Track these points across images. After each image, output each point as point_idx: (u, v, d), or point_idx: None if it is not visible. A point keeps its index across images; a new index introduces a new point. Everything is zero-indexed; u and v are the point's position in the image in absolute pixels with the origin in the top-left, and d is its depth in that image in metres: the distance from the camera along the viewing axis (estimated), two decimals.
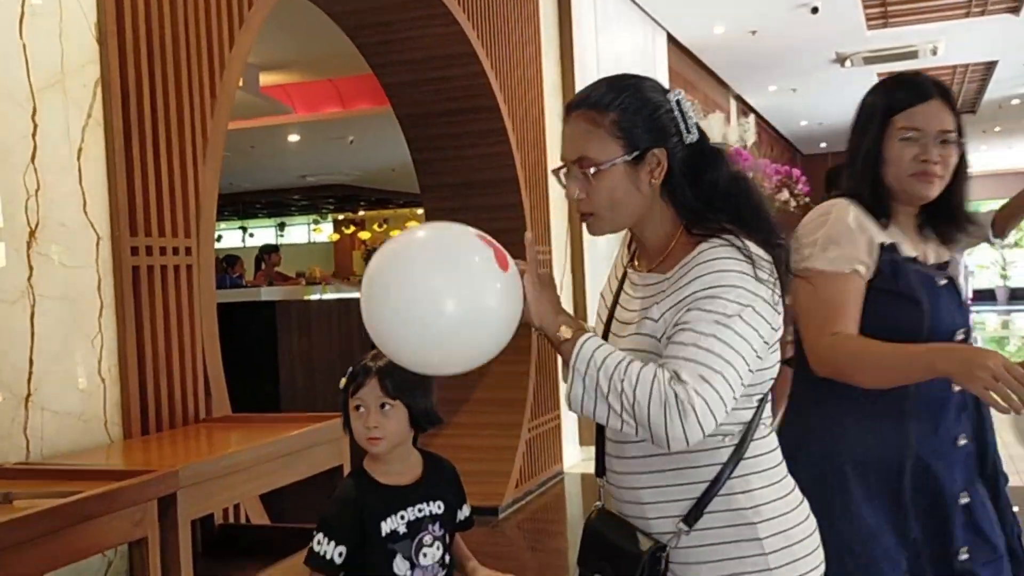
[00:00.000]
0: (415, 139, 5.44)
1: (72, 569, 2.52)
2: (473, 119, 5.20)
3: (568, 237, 6.13)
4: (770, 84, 11.21)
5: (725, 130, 7.37)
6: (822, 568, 1.49)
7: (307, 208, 18.63)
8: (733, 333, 1.34)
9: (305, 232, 20.52)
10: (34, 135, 2.50)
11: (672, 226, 1.48)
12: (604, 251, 6.47)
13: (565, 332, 1.38)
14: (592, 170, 1.45)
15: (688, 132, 1.47)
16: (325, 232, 20.23)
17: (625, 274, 1.59)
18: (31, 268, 2.48)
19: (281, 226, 19.59)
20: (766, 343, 1.40)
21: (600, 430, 1.55)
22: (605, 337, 1.54)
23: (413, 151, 5.48)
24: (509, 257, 1.43)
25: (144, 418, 2.80)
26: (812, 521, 1.51)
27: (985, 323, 15.08)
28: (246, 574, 2.42)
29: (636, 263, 1.57)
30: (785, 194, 7.23)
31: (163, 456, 2.58)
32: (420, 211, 19.51)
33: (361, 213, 19.66)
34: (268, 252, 10.44)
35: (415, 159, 5.51)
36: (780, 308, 1.42)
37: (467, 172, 5.31)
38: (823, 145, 16.16)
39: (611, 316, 1.57)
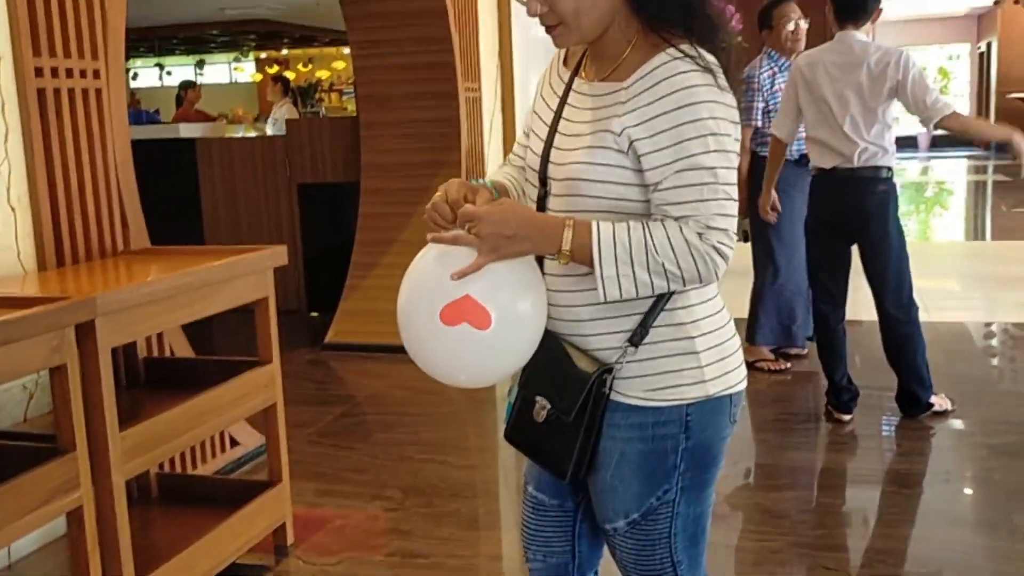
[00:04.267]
0: None
1: None
2: None
3: (499, 73, 5.98)
4: None
5: None
6: (745, 382, 1.55)
7: (228, 45, 17.78)
8: (725, 154, 1.37)
9: (226, 72, 19.69)
10: None
11: (632, 33, 1.44)
12: (534, 87, 6.34)
13: (564, 257, 1.37)
14: None
15: None
16: (247, 71, 19.45)
17: (569, 87, 1.53)
18: None
19: (200, 63, 18.73)
20: (737, 143, 1.43)
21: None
22: (547, 153, 1.49)
23: None
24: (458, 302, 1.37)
25: (59, 249, 2.72)
26: (738, 338, 1.56)
27: (906, 170, 15.45)
28: (171, 404, 2.41)
29: (583, 74, 1.52)
30: None
31: (80, 285, 2.51)
32: (346, 50, 18.82)
33: (285, 52, 18.89)
34: (186, 88, 10.02)
35: None
36: (736, 111, 1.42)
37: (394, 1, 5.09)
38: None
39: (554, 130, 1.51)
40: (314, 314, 6.04)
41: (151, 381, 2.88)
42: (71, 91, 2.72)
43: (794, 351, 4.69)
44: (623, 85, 1.41)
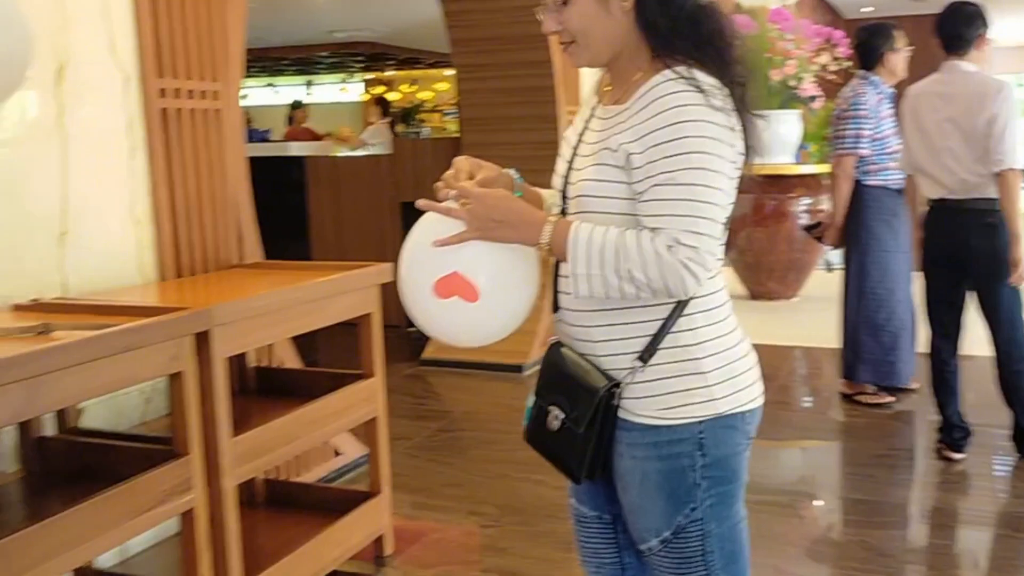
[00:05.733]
0: None
1: (111, 406, 2.62)
2: None
3: None
4: None
5: None
6: (761, 399, 1.57)
7: (335, 66, 18.29)
8: (707, 172, 1.39)
9: (334, 92, 20.24)
10: None
11: (643, 61, 1.51)
12: None
13: (542, 249, 1.46)
14: None
15: None
16: (354, 92, 19.96)
17: (592, 113, 1.61)
18: (61, 107, 2.47)
19: (309, 84, 19.31)
20: (736, 168, 1.46)
21: (556, 268, 1.59)
22: (567, 173, 1.58)
23: (444, 2, 5.33)
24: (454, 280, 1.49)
25: (178, 261, 2.84)
26: (753, 357, 1.59)
27: None
28: (280, 413, 2.49)
29: (602, 100, 1.60)
30: (825, 57, 6.97)
31: (198, 296, 2.62)
32: (449, 72, 19.10)
33: (390, 73, 19.32)
34: (296, 108, 10.34)
35: (446, 11, 5.36)
36: (738, 135, 1.45)
37: (499, 26, 5.17)
38: (868, 9, 15.52)
39: (574, 152, 1.59)
40: (412, 330, 6.14)
41: (261, 390, 2.98)
42: (192, 111, 2.85)
43: (901, 385, 4.52)
44: (625, 106, 1.49)
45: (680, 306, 1.48)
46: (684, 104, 1.41)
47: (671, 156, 1.39)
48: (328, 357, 5.26)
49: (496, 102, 5.38)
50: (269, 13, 10.81)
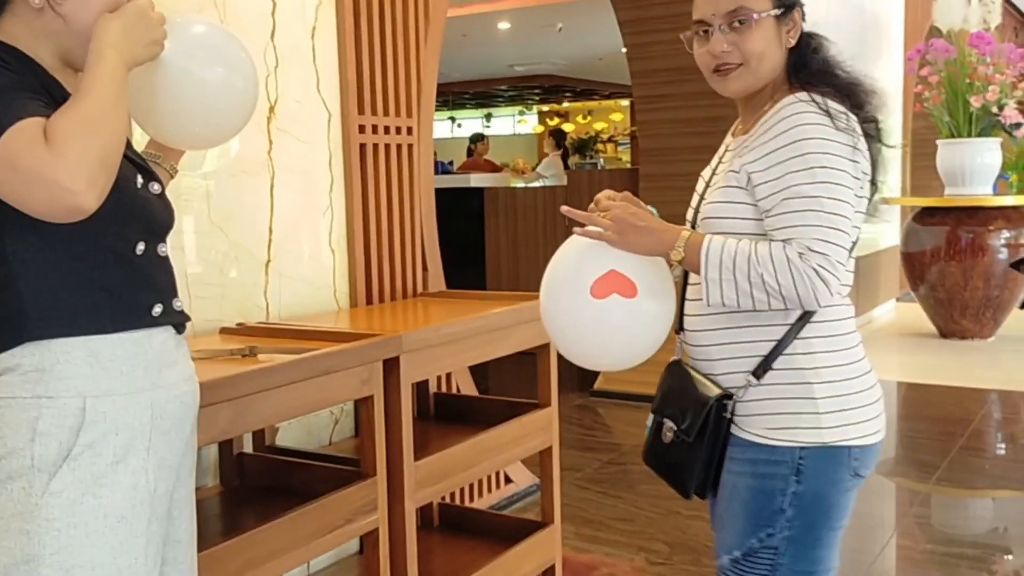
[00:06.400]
0: (629, 22, 5.32)
1: (304, 426, 2.76)
2: (687, 9, 5.01)
3: None
4: None
5: (965, 11, 6.70)
6: (876, 438, 1.53)
7: (513, 99, 18.73)
8: (832, 185, 1.43)
9: (510, 124, 20.69)
10: (273, 13, 2.63)
11: (780, 94, 1.56)
12: None
13: (677, 253, 1.49)
14: (755, 16, 1.53)
15: (802, 2, 1.60)
16: (530, 124, 20.33)
17: (725, 149, 1.68)
18: (271, 142, 2.65)
19: (488, 117, 19.83)
20: (861, 188, 1.49)
21: (683, 289, 1.64)
22: (698, 204, 1.64)
23: (626, 35, 5.37)
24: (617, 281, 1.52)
25: (368, 289, 2.98)
26: (876, 391, 1.56)
27: None
28: (458, 439, 2.56)
29: (735, 134, 1.65)
30: None
31: (385, 323, 2.74)
32: (624, 102, 19.09)
33: (565, 105, 19.58)
34: (476, 140, 10.64)
35: (627, 44, 5.39)
36: (862, 160, 1.48)
37: (682, 56, 5.13)
38: None
39: (707, 187, 1.65)
40: None
41: (439, 416, 3.06)
42: (387, 146, 3.00)
43: None
44: (751, 133, 1.55)
45: (798, 326, 1.49)
46: (807, 123, 1.46)
47: (797, 171, 1.43)
48: (498, 385, 5.35)
49: (674, 132, 5.36)
50: (454, 49, 11.19)
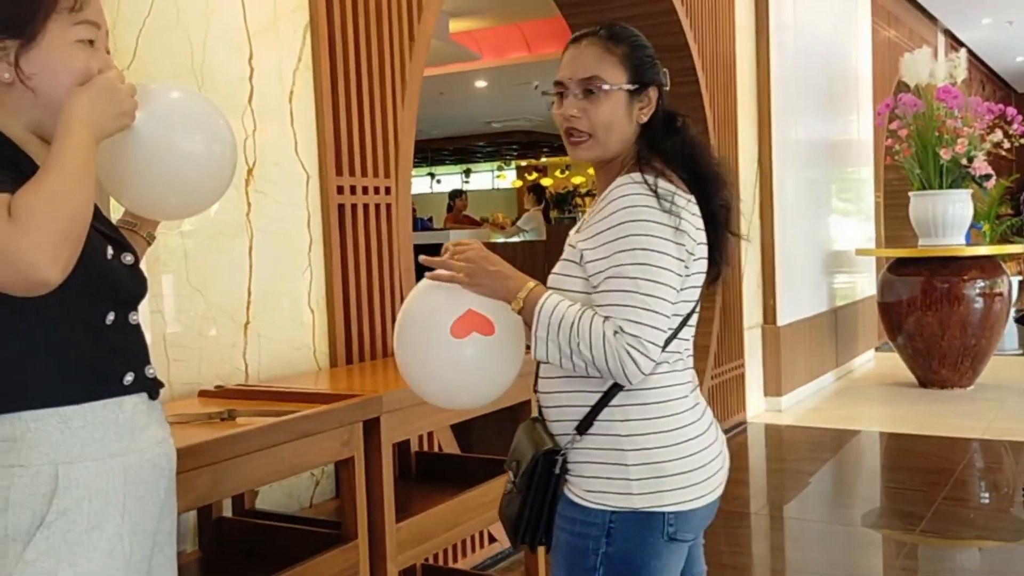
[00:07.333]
0: None
1: (285, 488, 2.73)
2: (663, 57, 5.08)
3: (757, 179, 5.95)
4: (983, 16, 10.36)
5: (932, 66, 6.85)
6: (703, 500, 1.56)
7: (492, 155, 18.91)
8: (653, 267, 1.49)
9: (489, 179, 20.86)
10: (250, 78, 2.66)
11: (630, 168, 1.59)
12: (790, 195, 6.24)
13: (517, 304, 1.54)
14: (604, 87, 1.59)
15: (664, 84, 1.66)
16: (508, 179, 20.50)
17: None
18: (249, 205, 2.66)
19: (467, 172, 19.99)
20: (684, 267, 1.53)
21: None
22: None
23: None
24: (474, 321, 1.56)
25: (348, 347, 2.97)
26: (706, 455, 1.58)
27: None
28: (441, 499, 2.53)
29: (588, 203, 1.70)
30: (998, 135, 6.68)
31: (366, 383, 2.73)
32: None
33: (544, 160, 19.78)
34: (456, 196, 10.71)
35: None
36: (687, 240, 1.53)
37: None
38: None
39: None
40: None
41: (421, 474, 3.04)
42: (366, 206, 3.01)
43: None
44: (592, 209, 1.60)
45: (610, 394, 1.55)
46: (634, 205, 1.51)
47: (621, 251, 1.50)
48: (480, 440, 5.30)
49: None
50: (432, 106, 11.32)
